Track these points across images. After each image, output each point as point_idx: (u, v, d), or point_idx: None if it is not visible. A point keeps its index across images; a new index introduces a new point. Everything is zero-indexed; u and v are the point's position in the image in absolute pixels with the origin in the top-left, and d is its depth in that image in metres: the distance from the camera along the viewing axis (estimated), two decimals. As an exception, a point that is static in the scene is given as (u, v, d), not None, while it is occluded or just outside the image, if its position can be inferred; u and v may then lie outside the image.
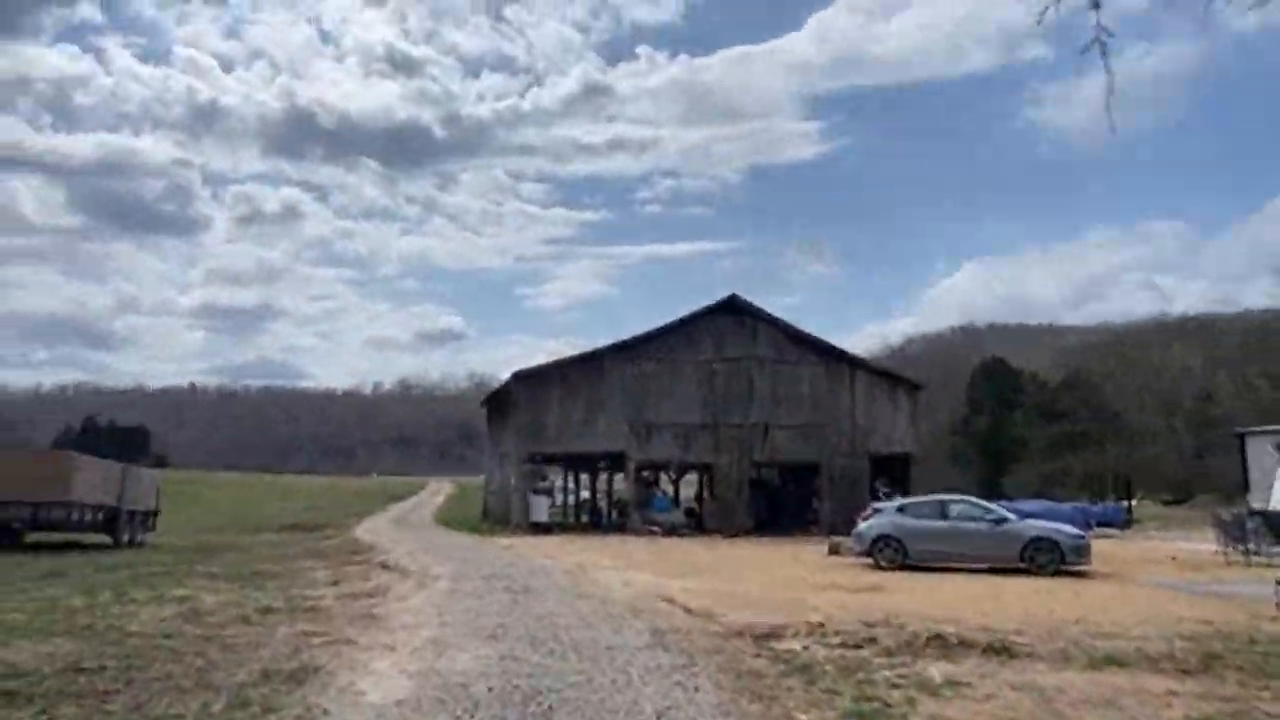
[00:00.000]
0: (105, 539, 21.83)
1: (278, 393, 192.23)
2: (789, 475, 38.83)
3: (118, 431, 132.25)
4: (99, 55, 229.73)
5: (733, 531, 31.35)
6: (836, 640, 9.71)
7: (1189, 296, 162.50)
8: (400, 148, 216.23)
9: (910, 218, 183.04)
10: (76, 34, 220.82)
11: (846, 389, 33.89)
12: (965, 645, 9.49)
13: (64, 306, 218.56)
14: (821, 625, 10.45)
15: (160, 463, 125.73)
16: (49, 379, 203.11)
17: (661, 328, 32.73)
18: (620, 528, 32.75)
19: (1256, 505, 23.09)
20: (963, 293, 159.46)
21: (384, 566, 17.83)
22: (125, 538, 22.20)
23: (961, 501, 18.40)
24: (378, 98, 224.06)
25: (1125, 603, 12.95)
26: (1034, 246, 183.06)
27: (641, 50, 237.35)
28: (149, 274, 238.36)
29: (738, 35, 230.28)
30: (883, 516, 17.88)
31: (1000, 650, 9.25)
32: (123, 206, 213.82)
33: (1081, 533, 17.52)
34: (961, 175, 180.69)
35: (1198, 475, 66.56)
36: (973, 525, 17.26)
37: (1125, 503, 31.22)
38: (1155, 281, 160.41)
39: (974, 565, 17.20)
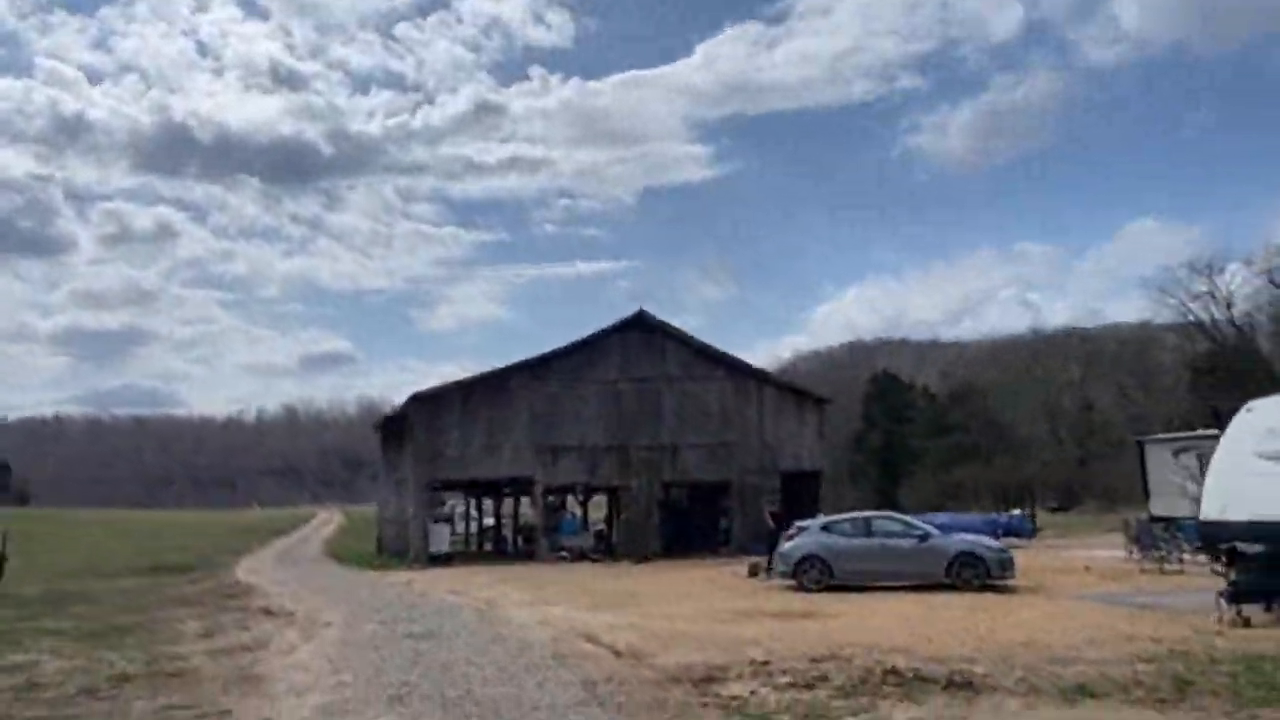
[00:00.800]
0: (-64, 592, 19.02)
1: (150, 422, 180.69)
2: (696, 495, 38.12)
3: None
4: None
5: (642, 555, 30.30)
6: (785, 680, 8.78)
7: (1060, 312, 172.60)
8: (284, 165, 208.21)
9: (798, 239, 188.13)
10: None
11: (754, 405, 33.41)
12: (924, 680, 8.70)
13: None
14: (766, 663, 9.51)
15: (22, 499, 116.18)
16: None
17: (568, 346, 31.53)
18: (528, 555, 31.27)
19: (1158, 512, 23.56)
20: (849, 311, 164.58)
21: (266, 612, 16.00)
22: (-39, 589, 19.41)
23: (885, 518, 17.91)
24: (260, 113, 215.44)
25: (1064, 620, 12.52)
26: (915, 268, 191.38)
27: (534, 71, 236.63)
28: (6, 297, 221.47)
29: (629, 60, 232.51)
30: (807, 536, 17.18)
31: (963, 685, 8.50)
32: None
33: (1004, 547, 17.25)
34: (846, 199, 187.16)
35: (1081, 482, 69.52)
36: (898, 542, 16.75)
37: (1029, 512, 31.70)
38: (1028, 298, 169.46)
39: (901, 583, 16.69)
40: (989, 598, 15.23)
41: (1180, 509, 20.81)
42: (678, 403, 32.40)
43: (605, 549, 32.56)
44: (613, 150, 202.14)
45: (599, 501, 43.82)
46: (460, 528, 42.58)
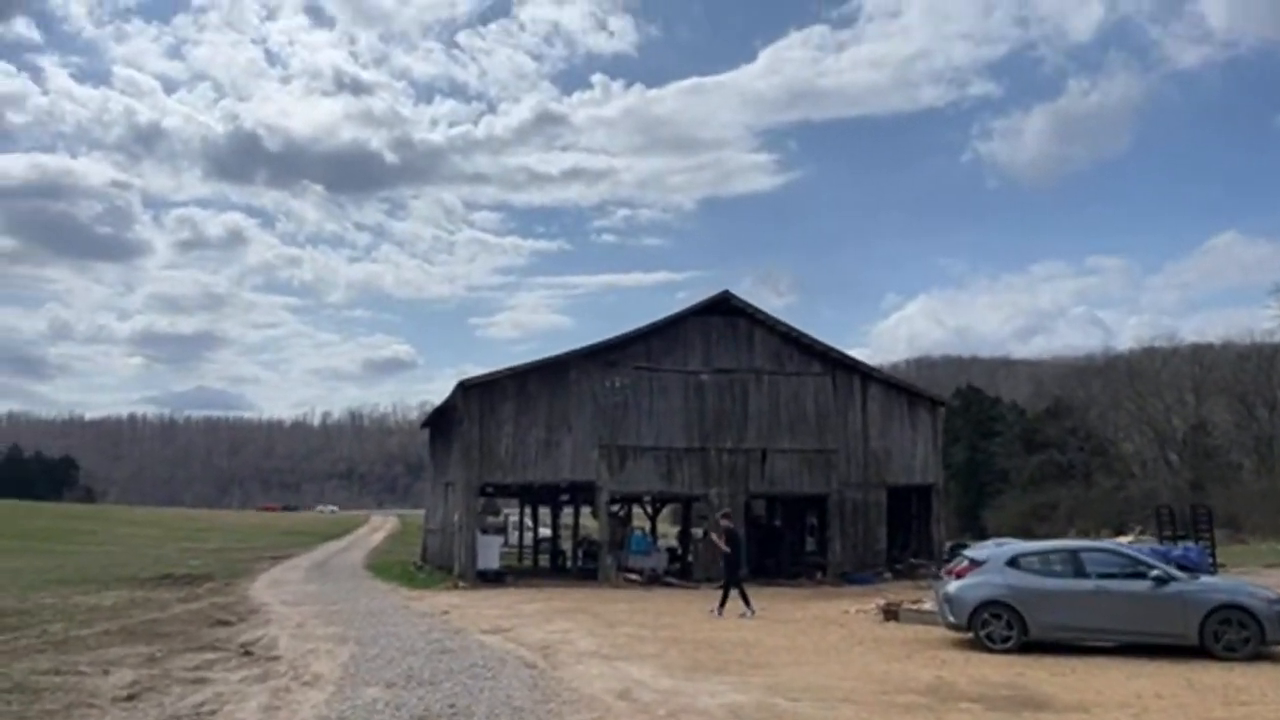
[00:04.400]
0: None
1: (220, 424, 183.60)
2: (781, 509, 33.33)
3: (44, 463, 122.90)
4: (35, 74, 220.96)
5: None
6: None
7: (1134, 328, 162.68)
8: (349, 173, 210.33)
9: (862, 249, 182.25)
10: (11, 51, 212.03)
11: (858, 406, 28.47)
12: None
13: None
14: None
15: (89, 496, 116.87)
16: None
17: (640, 330, 27.00)
18: (590, 574, 26.80)
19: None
20: (914, 325, 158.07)
21: (245, 652, 11.78)
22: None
23: (1102, 551, 12.92)
24: (325, 121, 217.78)
25: None
26: (982, 279, 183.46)
27: (596, 79, 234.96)
28: (85, 299, 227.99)
29: (691, 66, 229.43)
30: (986, 574, 12.28)
31: None
32: (58, 229, 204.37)
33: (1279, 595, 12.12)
34: (912, 208, 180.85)
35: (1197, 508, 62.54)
36: (1123, 586, 11.77)
37: (1207, 542, 26.04)
38: (1099, 316, 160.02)
39: (1112, 642, 11.78)
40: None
41: None
42: (768, 400, 27.67)
43: (680, 570, 27.96)
44: (674, 159, 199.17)
45: (667, 514, 39.32)
46: (513, 538, 38.46)
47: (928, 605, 15.52)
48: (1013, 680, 9.89)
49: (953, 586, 12.46)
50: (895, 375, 37.25)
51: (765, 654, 11.74)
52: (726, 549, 17.36)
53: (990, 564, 12.41)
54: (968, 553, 13.65)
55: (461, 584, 23.79)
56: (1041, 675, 10.18)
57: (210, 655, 11.46)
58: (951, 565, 13.41)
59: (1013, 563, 12.33)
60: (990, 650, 11.76)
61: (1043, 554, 12.56)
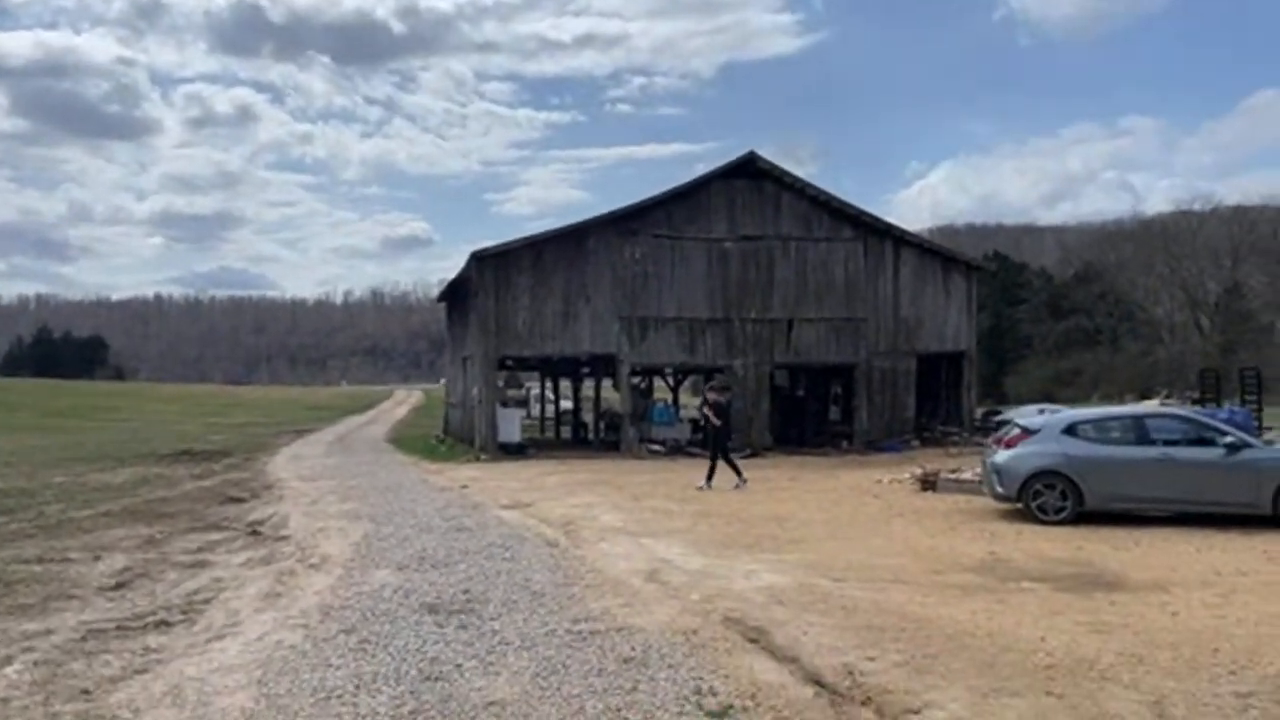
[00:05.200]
0: None
1: (245, 302, 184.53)
2: (805, 379, 32.54)
3: (73, 343, 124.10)
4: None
5: (751, 450, 25.08)
6: None
7: (1165, 193, 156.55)
8: (355, 44, 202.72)
9: (887, 115, 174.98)
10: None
11: (890, 272, 27.19)
12: None
13: (14, 215, 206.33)
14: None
15: (119, 375, 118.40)
16: (8, 290, 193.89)
17: (661, 195, 25.57)
18: (612, 445, 26.40)
19: None
20: (938, 192, 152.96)
21: (252, 532, 11.24)
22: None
23: (1166, 417, 11.97)
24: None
25: None
26: (1009, 144, 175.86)
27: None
28: (101, 180, 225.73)
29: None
30: (1039, 441, 11.39)
31: None
32: (67, 109, 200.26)
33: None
34: (940, 70, 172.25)
35: (1224, 372, 61.59)
36: (1193, 454, 10.86)
37: (1252, 405, 24.98)
38: (1130, 180, 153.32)
39: (1173, 513, 10.98)
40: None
41: None
42: (795, 268, 26.45)
43: (703, 441, 27.48)
44: (692, 21, 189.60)
45: (689, 384, 38.75)
46: (534, 410, 38.21)
47: (967, 474, 14.82)
48: (1073, 556, 9.12)
49: (1002, 456, 11.60)
50: (929, 239, 35.60)
51: (800, 528, 11.06)
52: (717, 421, 16.59)
53: (1044, 432, 11.50)
54: (1019, 420, 12.74)
55: (483, 457, 23.43)
56: (1103, 549, 9.41)
57: (215, 536, 10.92)
58: (1000, 434, 12.52)
59: (1069, 430, 11.41)
60: (1041, 522, 11.00)
61: (1102, 420, 11.62)
